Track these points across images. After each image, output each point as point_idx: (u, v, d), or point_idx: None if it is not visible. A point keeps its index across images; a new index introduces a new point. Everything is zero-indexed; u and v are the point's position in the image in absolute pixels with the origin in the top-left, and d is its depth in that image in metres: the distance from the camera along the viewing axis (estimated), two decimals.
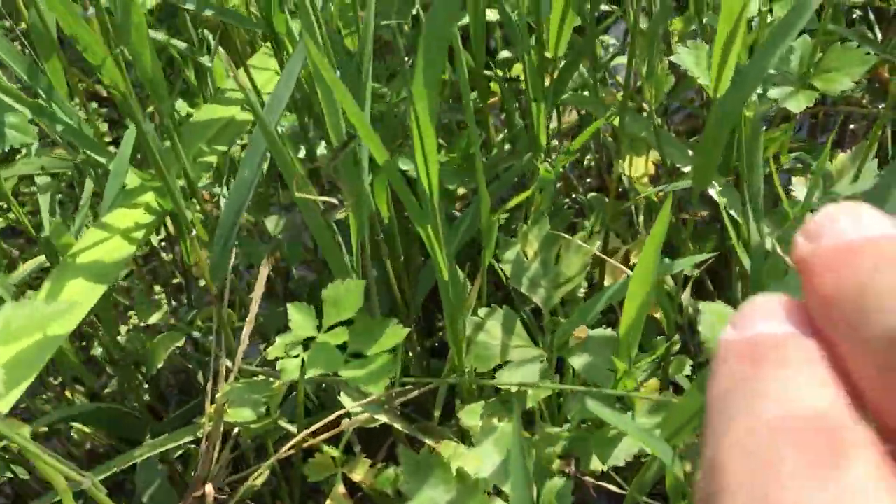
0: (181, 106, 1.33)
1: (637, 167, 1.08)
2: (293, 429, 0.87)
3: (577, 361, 0.75)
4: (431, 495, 0.58)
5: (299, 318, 0.63)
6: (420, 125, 0.53)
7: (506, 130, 1.05)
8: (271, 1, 0.82)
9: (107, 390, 1.13)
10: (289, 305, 0.63)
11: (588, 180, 1.29)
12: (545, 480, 0.65)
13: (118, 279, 0.82)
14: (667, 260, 0.68)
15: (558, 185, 1.25)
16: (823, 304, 0.19)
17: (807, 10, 0.63)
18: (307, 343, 0.65)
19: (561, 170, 0.78)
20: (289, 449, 0.68)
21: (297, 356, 0.62)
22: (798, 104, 0.76)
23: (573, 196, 1.19)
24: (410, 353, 1.00)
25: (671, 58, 0.77)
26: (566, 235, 0.77)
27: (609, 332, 0.76)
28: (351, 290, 0.63)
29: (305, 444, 0.80)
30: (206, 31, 1.13)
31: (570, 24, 0.67)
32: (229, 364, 0.79)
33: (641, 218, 1.06)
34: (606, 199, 1.10)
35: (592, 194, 1.10)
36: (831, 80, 0.77)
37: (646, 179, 1.09)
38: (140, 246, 0.75)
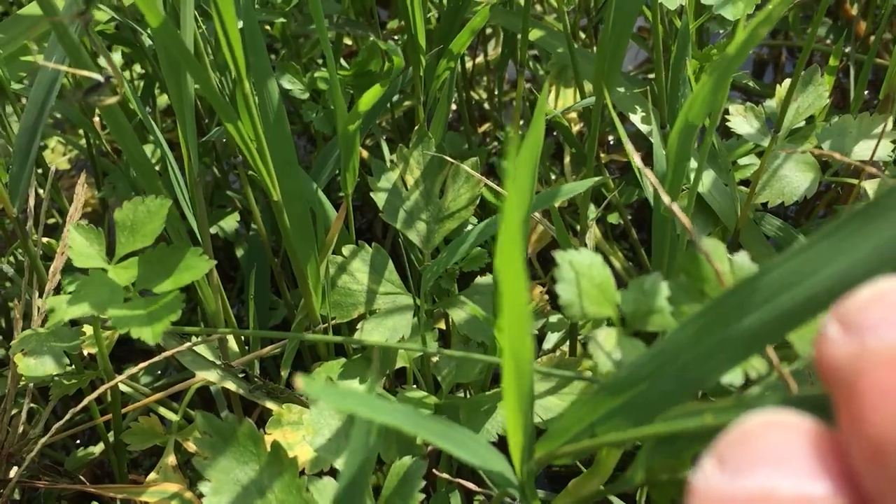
0: None
1: (566, 99, 0.95)
2: (143, 388, 0.74)
3: (458, 315, 0.62)
4: (235, 474, 0.45)
5: (82, 244, 0.49)
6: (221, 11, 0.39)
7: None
8: None
9: None
10: (70, 227, 0.49)
11: (523, 123, 1.16)
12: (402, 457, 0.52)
13: None
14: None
15: (485, 127, 1.12)
16: (874, 452, 0.12)
17: None
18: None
19: (447, 75, 0.64)
20: (82, 408, 0.54)
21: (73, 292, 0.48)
22: (736, 10, 0.63)
23: (497, 133, 1.06)
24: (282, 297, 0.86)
25: None
26: (453, 160, 0.64)
27: None
28: (153, 212, 0.49)
29: (138, 404, 0.67)
30: None
31: None
32: (41, 304, 0.65)
33: (567, 159, 0.93)
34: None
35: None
36: None
37: (573, 114, 0.96)
38: None
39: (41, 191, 0.85)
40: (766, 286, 0.24)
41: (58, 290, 0.62)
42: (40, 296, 0.65)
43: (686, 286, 0.36)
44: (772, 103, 0.70)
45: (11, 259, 0.91)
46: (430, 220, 0.64)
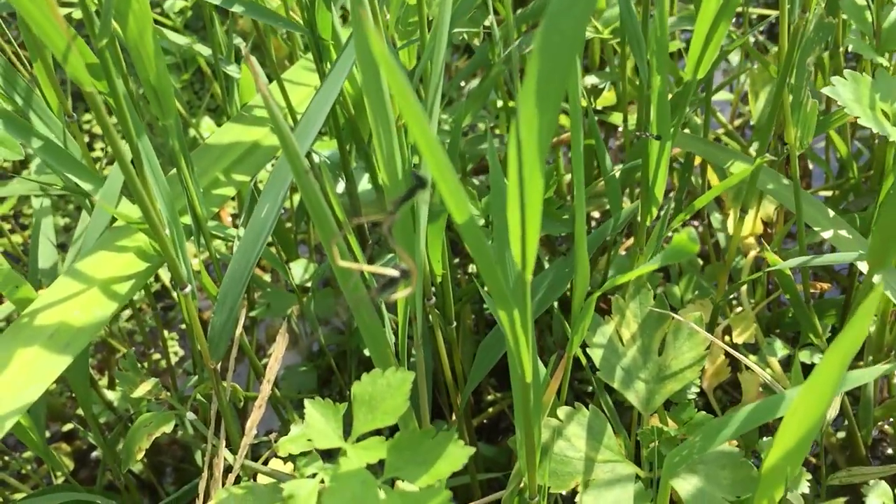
0: (207, 126, 1.17)
1: (745, 224, 0.89)
2: None
3: (684, 486, 0.56)
4: None
5: (320, 421, 0.45)
6: (524, 165, 0.35)
7: (596, 170, 0.87)
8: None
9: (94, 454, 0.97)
10: (307, 402, 0.46)
11: (671, 233, 1.10)
12: None
13: (91, 345, 0.65)
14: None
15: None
16: None
17: None
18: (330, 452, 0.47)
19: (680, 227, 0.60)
20: None
21: (313, 475, 0.44)
22: None
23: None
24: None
25: (825, 90, 0.59)
26: (676, 315, 0.59)
27: (732, 449, 0.57)
28: (394, 387, 0.45)
29: None
30: (239, 39, 0.98)
31: (721, 35, 0.48)
32: (229, 458, 0.61)
33: (745, 288, 0.88)
34: (700, 261, 0.92)
35: None
36: None
37: (751, 239, 0.91)
38: (125, 304, 0.58)
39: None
40: None
41: (254, 455, 0.58)
42: (227, 446, 0.62)
43: None
44: None
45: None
46: (649, 381, 0.59)
